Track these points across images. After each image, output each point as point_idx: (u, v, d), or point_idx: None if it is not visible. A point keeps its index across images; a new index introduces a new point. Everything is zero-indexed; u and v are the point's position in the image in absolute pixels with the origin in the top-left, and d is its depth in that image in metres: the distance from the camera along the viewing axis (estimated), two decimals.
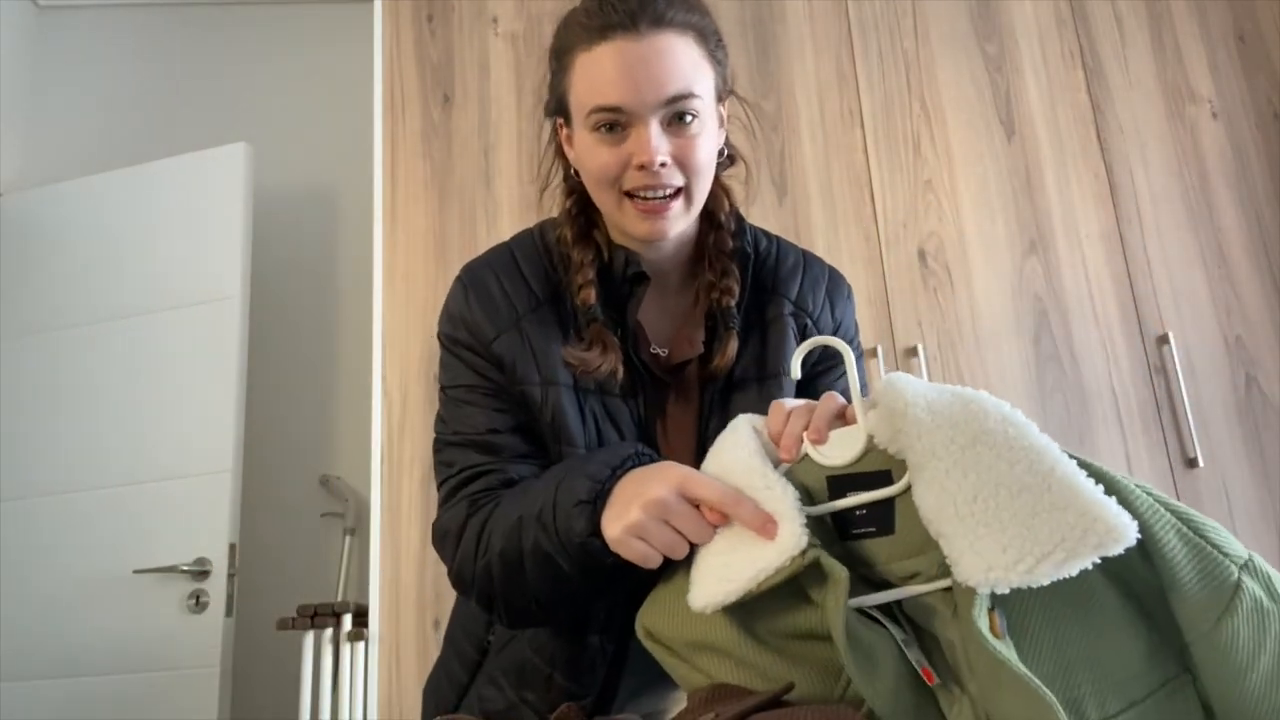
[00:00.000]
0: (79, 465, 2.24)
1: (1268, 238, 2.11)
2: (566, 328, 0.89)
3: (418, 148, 2.05)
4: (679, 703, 0.73)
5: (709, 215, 0.94)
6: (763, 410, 0.76)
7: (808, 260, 1.01)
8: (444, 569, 0.88)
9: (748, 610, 0.66)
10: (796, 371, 0.77)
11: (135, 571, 2.09)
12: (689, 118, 0.84)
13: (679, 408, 0.92)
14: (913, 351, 1.95)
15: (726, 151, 0.96)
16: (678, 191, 0.85)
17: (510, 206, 1.99)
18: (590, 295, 0.88)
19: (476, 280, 0.92)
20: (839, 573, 0.62)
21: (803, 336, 0.95)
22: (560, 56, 0.89)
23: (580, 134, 0.87)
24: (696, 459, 0.76)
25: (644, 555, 0.68)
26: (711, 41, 0.89)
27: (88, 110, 2.73)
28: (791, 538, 0.63)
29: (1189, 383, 1.98)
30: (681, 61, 0.84)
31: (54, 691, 2.08)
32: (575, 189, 0.94)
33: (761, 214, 2.00)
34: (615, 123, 0.83)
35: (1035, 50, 2.18)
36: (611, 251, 0.91)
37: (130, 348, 2.29)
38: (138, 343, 2.29)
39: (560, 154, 0.95)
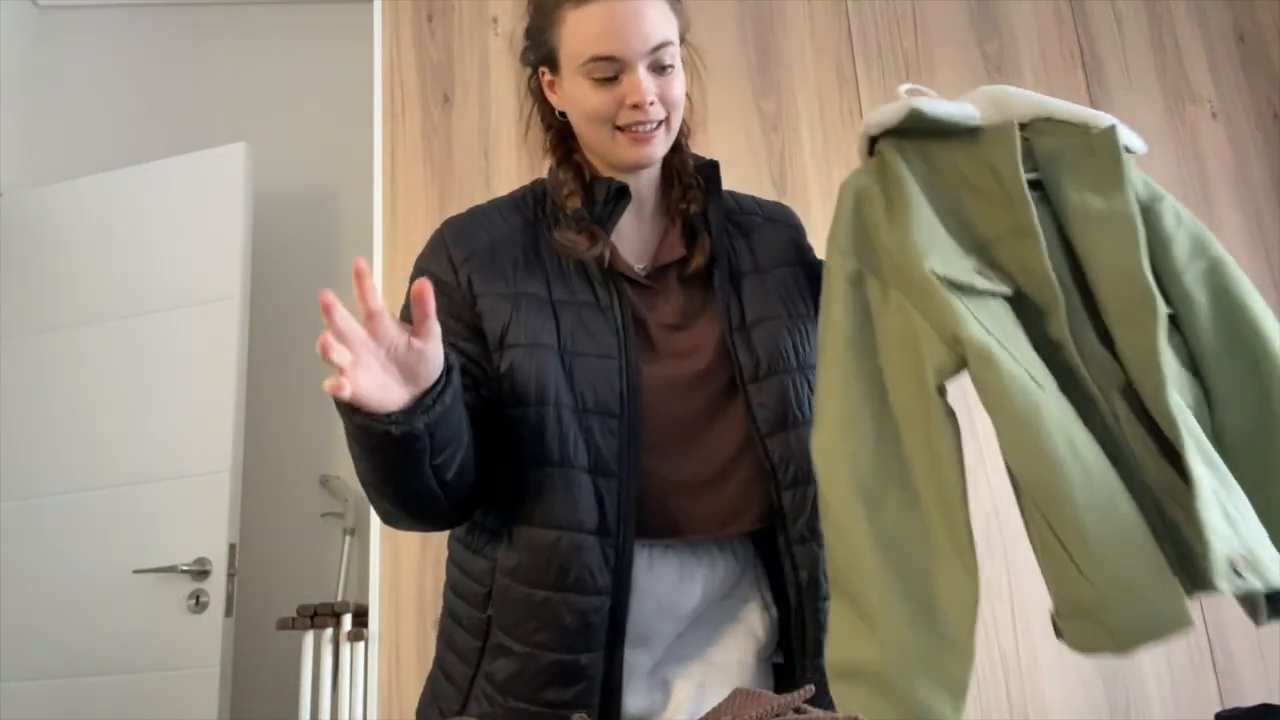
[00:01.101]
0: (79, 465, 2.24)
1: (1268, 238, 2.11)
2: (543, 260, 0.99)
3: (418, 148, 2.05)
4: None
5: (675, 147, 1.08)
6: (768, 295, 1.02)
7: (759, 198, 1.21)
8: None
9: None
10: None
11: (135, 571, 2.09)
12: (668, 62, 0.99)
13: (671, 306, 1.02)
14: None
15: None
16: (660, 123, 0.99)
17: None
18: (576, 201, 1.01)
19: (453, 222, 1.04)
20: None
21: (788, 242, 1.13)
22: (546, 11, 1.01)
23: (573, 80, 1.00)
24: (723, 340, 0.98)
25: (332, 385, 0.76)
26: (676, 4, 1.04)
27: (88, 110, 2.73)
28: None
29: None
30: (658, 14, 0.99)
31: (54, 691, 2.08)
32: (554, 125, 1.07)
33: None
34: (611, 74, 0.97)
35: (1035, 50, 2.18)
36: (593, 174, 1.04)
37: (130, 348, 2.29)
38: (138, 343, 2.29)
39: (539, 98, 1.08)
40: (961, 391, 0.85)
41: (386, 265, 1.98)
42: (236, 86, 2.76)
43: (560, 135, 1.07)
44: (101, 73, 2.77)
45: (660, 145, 1.00)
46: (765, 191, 2.02)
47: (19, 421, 2.31)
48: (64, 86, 2.75)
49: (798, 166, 2.06)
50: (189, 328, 2.27)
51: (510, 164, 2.03)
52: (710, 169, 1.07)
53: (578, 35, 0.98)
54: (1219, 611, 1.87)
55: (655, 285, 1.02)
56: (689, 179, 1.07)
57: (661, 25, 0.98)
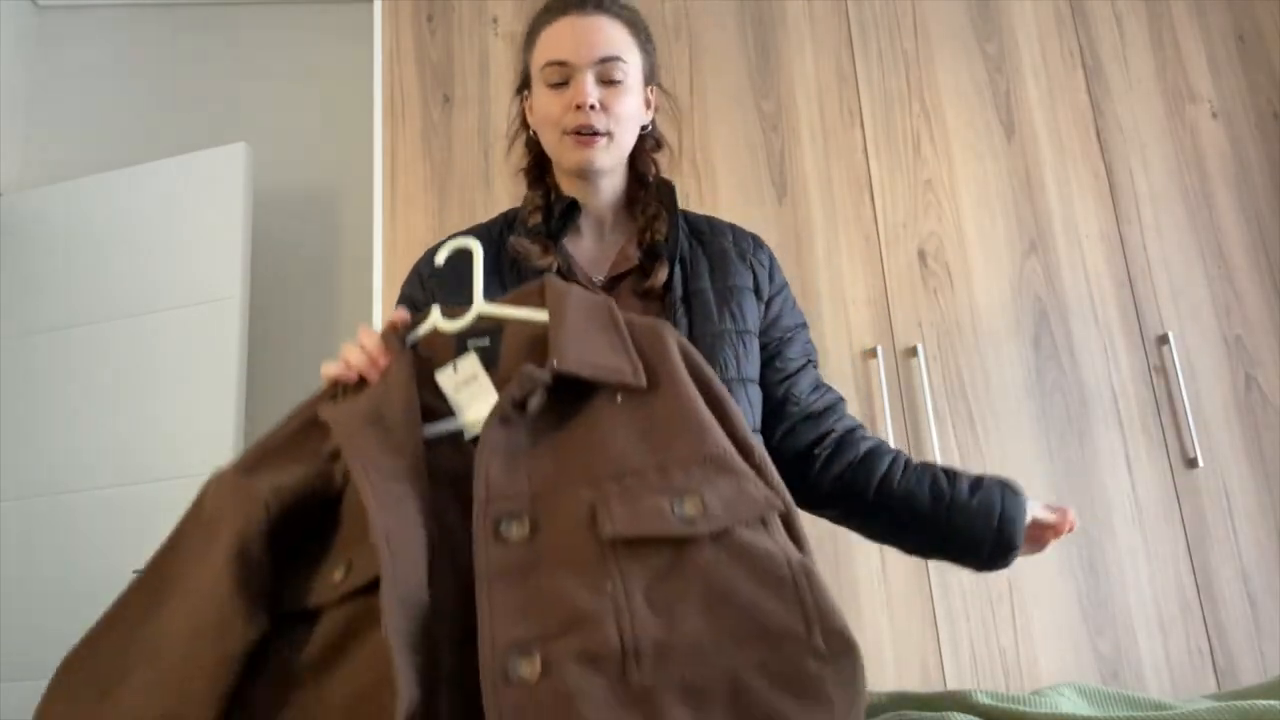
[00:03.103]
0: (79, 465, 2.24)
1: (1268, 238, 2.11)
2: (503, 274, 1.08)
3: (418, 148, 2.05)
4: None
5: (639, 178, 1.18)
6: (716, 311, 1.07)
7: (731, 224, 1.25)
8: None
9: None
10: None
11: (135, 571, 2.08)
12: (618, 79, 1.09)
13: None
14: (912, 352, 1.95)
15: (655, 139, 1.20)
16: (604, 134, 1.08)
17: (510, 206, 1.99)
18: (538, 217, 1.12)
19: (430, 249, 1.15)
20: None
21: (747, 266, 1.16)
22: (529, 39, 1.14)
23: (536, 91, 1.12)
24: None
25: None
26: (641, 34, 1.15)
27: (88, 110, 2.73)
28: None
29: (1189, 383, 1.98)
30: (613, 35, 1.10)
31: None
32: (532, 148, 1.19)
33: (762, 214, 2.00)
34: (561, 79, 1.08)
35: (1035, 50, 2.18)
36: (556, 194, 1.15)
37: (130, 348, 2.29)
38: (137, 343, 2.29)
39: (524, 125, 1.20)
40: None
41: (386, 265, 1.98)
42: (236, 86, 2.76)
43: (535, 160, 1.19)
44: (101, 73, 2.76)
45: (603, 154, 1.09)
46: (765, 191, 2.03)
47: (19, 421, 2.31)
48: (64, 86, 2.75)
49: (798, 166, 2.06)
50: (189, 328, 2.27)
51: (510, 164, 2.03)
52: (666, 189, 1.15)
53: (543, 48, 1.11)
54: (1219, 611, 1.87)
55: (610, 295, 1.05)
56: (653, 209, 1.14)
57: (615, 43, 1.10)
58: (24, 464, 2.27)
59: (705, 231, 1.18)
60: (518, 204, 1.20)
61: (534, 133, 1.17)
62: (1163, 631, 1.85)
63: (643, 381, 0.79)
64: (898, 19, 2.17)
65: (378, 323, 1.94)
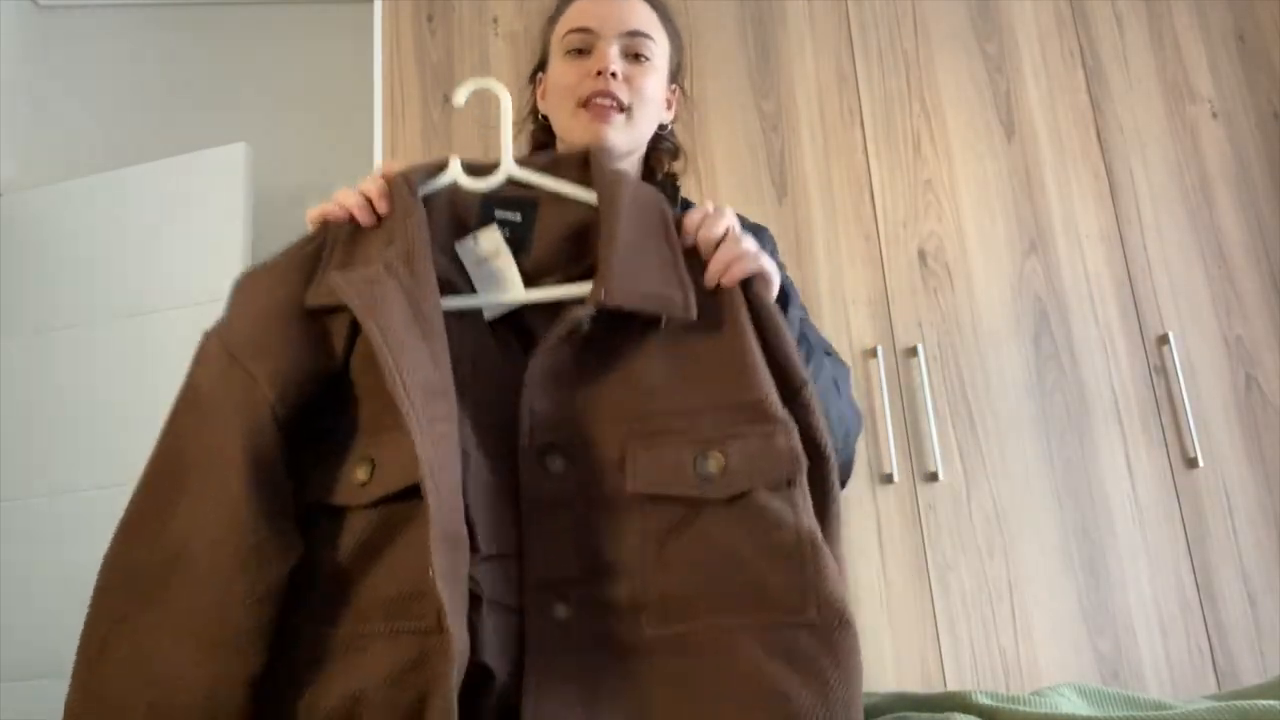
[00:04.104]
0: (79, 465, 2.23)
1: (1268, 238, 2.11)
2: None
3: (418, 148, 2.05)
4: None
5: (650, 172, 1.12)
6: None
7: None
8: None
9: None
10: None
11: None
12: (643, 57, 1.03)
13: None
14: (912, 351, 1.95)
15: (674, 143, 1.14)
16: (621, 108, 1.01)
17: None
18: None
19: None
20: None
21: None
22: (553, 17, 1.09)
23: (553, 65, 1.06)
24: None
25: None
26: (671, 26, 1.09)
27: (88, 110, 2.73)
28: None
29: (1189, 383, 1.98)
30: (644, 13, 1.05)
31: (54, 691, 2.06)
32: (537, 137, 1.12)
33: (762, 214, 2.00)
34: (583, 47, 1.02)
35: (1035, 50, 2.18)
36: None
37: (130, 348, 2.29)
38: (138, 343, 2.29)
39: (534, 113, 1.14)
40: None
41: None
42: (236, 86, 2.76)
43: (542, 133, 1.13)
44: (101, 73, 2.76)
45: (619, 130, 1.01)
46: (765, 191, 2.03)
47: (19, 421, 2.31)
48: (64, 86, 2.75)
49: (798, 166, 2.06)
50: (189, 328, 2.24)
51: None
52: (670, 188, 1.11)
53: (566, 19, 1.06)
54: (1219, 611, 1.87)
55: None
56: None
57: (645, 20, 1.04)
58: (24, 464, 2.27)
59: None
60: None
61: (544, 118, 1.11)
62: (1163, 631, 1.85)
63: (692, 313, 0.74)
64: (898, 19, 2.17)
65: None
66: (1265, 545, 1.93)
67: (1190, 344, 2.02)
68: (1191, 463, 1.94)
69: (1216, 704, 0.69)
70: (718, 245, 0.82)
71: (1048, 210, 2.08)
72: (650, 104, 1.04)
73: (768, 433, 0.70)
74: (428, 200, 0.80)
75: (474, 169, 0.82)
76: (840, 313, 1.97)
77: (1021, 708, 0.77)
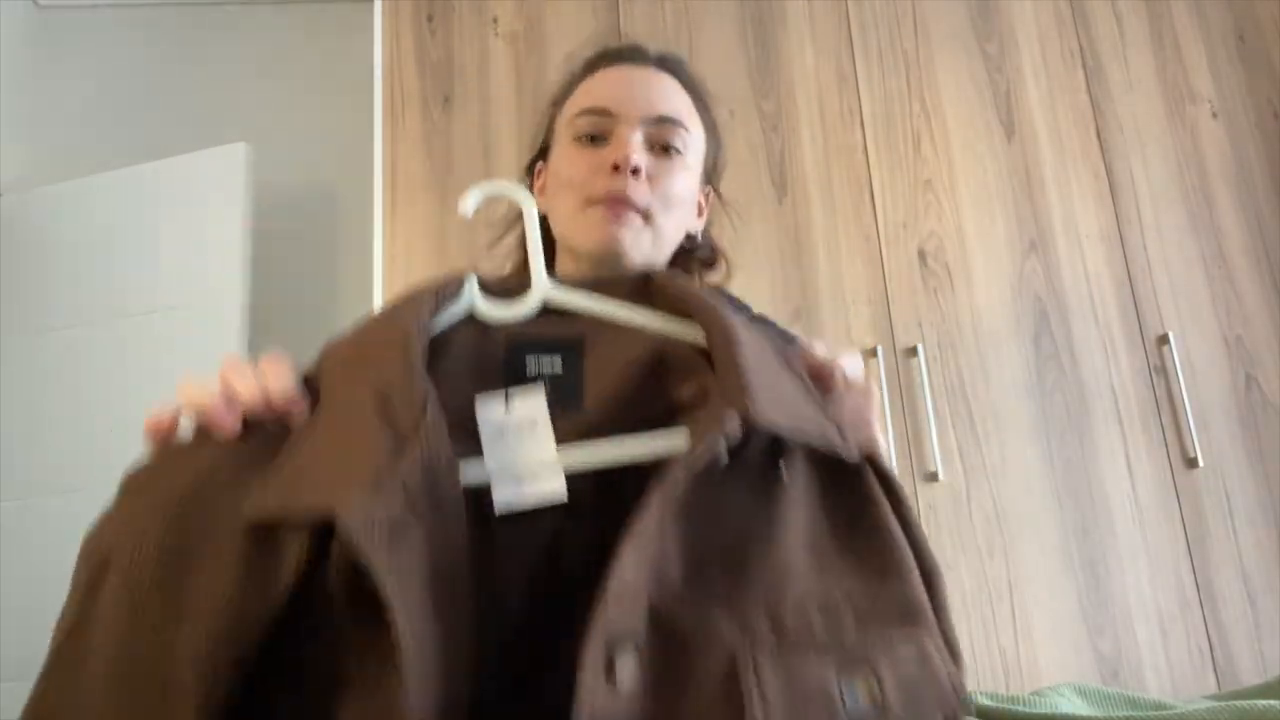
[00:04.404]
0: (79, 465, 2.24)
1: (1268, 238, 2.11)
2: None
3: (418, 148, 2.05)
4: None
5: None
6: None
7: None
8: None
9: None
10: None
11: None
12: (672, 149, 0.82)
13: None
14: (912, 351, 1.95)
15: (711, 247, 0.93)
16: (640, 211, 0.80)
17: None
18: None
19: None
20: None
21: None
22: (560, 96, 0.88)
23: (559, 151, 0.85)
24: None
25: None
26: (708, 117, 0.89)
27: (88, 110, 2.73)
28: None
29: (1189, 383, 1.98)
30: (676, 96, 0.84)
31: None
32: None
33: (762, 214, 2.00)
34: (599, 132, 0.82)
35: (1035, 50, 2.18)
36: None
37: (130, 347, 2.29)
38: (138, 343, 2.29)
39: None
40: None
41: (386, 265, 1.98)
42: (236, 86, 2.76)
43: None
44: (101, 73, 2.76)
45: (634, 237, 0.79)
46: (765, 191, 2.03)
47: (19, 421, 2.31)
48: (64, 86, 2.75)
49: (798, 166, 2.06)
50: (189, 328, 2.27)
51: (510, 164, 2.03)
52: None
53: (578, 97, 0.85)
54: (1219, 611, 1.87)
55: None
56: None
57: (678, 104, 0.84)
58: (24, 464, 2.27)
59: None
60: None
61: (542, 217, 0.85)
62: (1163, 631, 1.85)
63: (853, 453, 0.54)
64: (898, 19, 2.17)
65: None
66: (1265, 545, 1.93)
67: (1190, 344, 2.02)
68: (1191, 462, 1.94)
69: (1216, 704, 0.69)
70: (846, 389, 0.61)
71: (1048, 210, 2.08)
72: (676, 208, 0.82)
73: (923, 646, 0.49)
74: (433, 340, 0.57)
75: (495, 287, 0.60)
76: (840, 313, 1.97)
77: (1022, 709, 0.77)
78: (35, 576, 2.18)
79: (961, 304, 2.00)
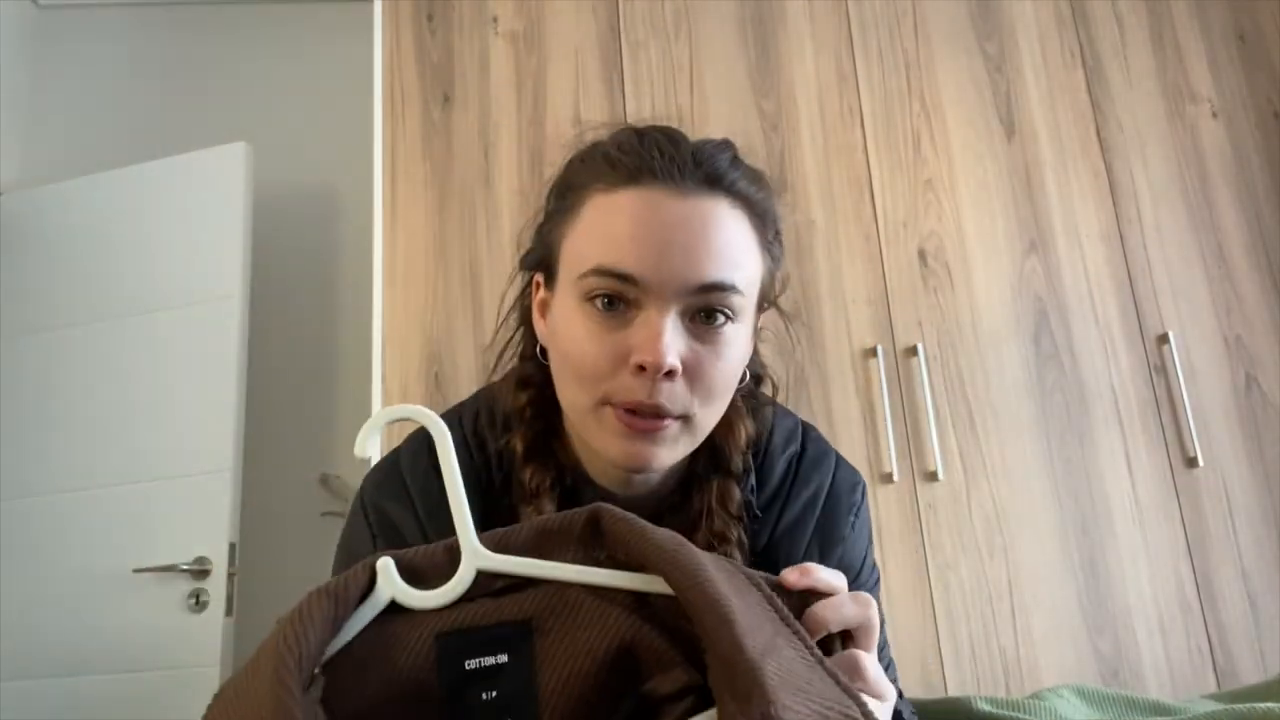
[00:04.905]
0: (79, 465, 2.24)
1: (1268, 238, 2.11)
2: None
3: (418, 148, 2.05)
4: None
5: (715, 455, 0.70)
6: None
7: (819, 497, 0.76)
8: None
9: None
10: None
11: (135, 570, 2.09)
12: (720, 319, 0.62)
13: None
14: (912, 351, 1.95)
15: (758, 376, 0.75)
16: (677, 418, 0.63)
17: (510, 206, 1.99)
18: (548, 504, 0.69)
19: (381, 518, 0.73)
20: None
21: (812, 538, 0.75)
22: (565, 194, 0.68)
23: (565, 302, 0.65)
24: None
25: None
26: (770, 229, 0.68)
27: (88, 110, 2.73)
28: None
29: (1189, 382, 1.98)
30: (730, 241, 0.62)
31: (54, 691, 2.08)
32: (532, 380, 0.72)
33: None
34: (619, 297, 0.61)
35: (1035, 50, 2.18)
36: (577, 477, 0.70)
37: (130, 347, 2.29)
38: (137, 343, 2.29)
39: (526, 322, 0.73)
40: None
41: (386, 265, 1.98)
42: (236, 86, 2.76)
43: (540, 404, 0.71)
44: (101, 73, 2.77)
45: (670, 447, 0.64)
46: None
47: (19, 421, 2.31)
48: (64, 86, 2.75)
49: (798, 166, 2.06)
50: (189, 328, 2.27)
51: (510, 164, 2.03)
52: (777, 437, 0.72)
53: (592, 230, 0.64)
54: (1219, 611, 1.88)
55: None
56: (724, 521, 0.69)
57: (731, 255, 0.62)
58: (24, 464, 2.28)
59: (770, 492, 0.73)
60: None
61: (541, 352, 0.71)
62: (1163, 631, 1.85)
63: None
64: (898, 19, 2.17)
65: (378, 323, 1.94)
66: (1265, 545, 1.93)
67: (1190, 344, 2.02)
68: (1191, 462, 1.94)
69: (1216, 708, 0.68)
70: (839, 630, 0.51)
71: (1048, 210, 2.08)
72: (721, 395, 0.65)
73: None
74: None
75: (415, 569, 0.48)
76: (840, 312, 1.97)
77: (1022, 715, 0.76)
78: (35, 576, 2.19)
79: (961, 303, 2.00)
